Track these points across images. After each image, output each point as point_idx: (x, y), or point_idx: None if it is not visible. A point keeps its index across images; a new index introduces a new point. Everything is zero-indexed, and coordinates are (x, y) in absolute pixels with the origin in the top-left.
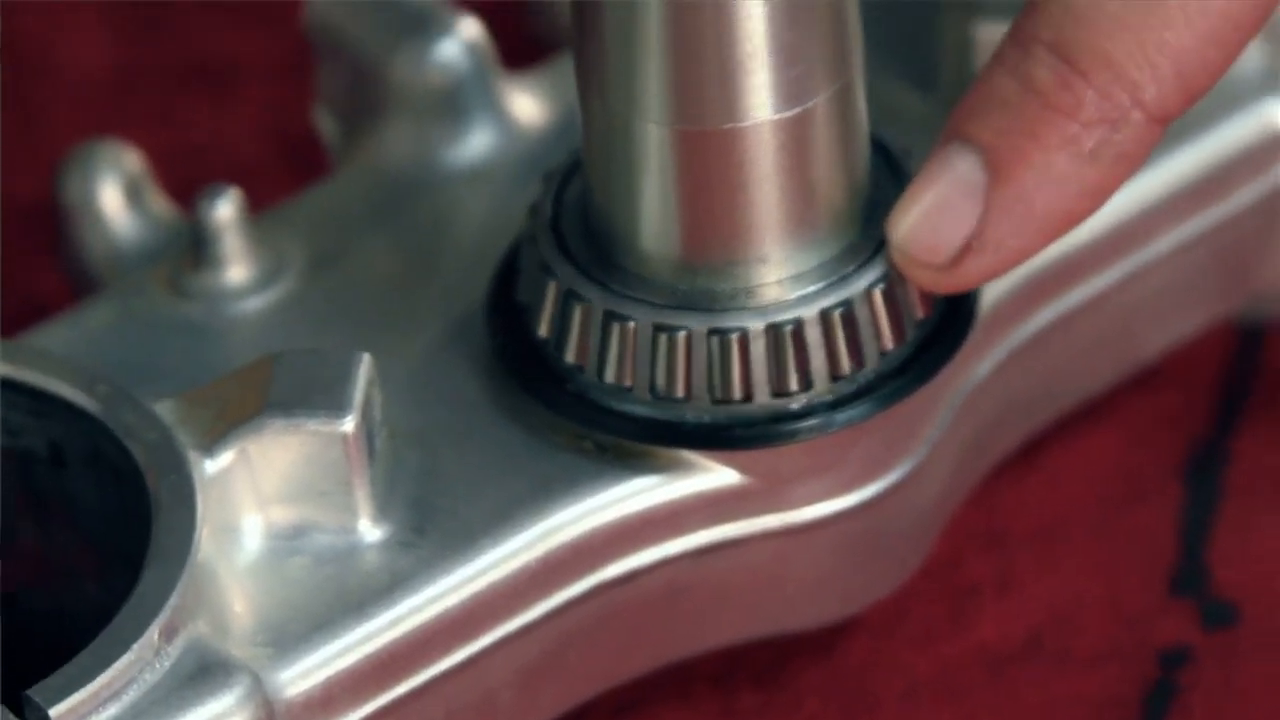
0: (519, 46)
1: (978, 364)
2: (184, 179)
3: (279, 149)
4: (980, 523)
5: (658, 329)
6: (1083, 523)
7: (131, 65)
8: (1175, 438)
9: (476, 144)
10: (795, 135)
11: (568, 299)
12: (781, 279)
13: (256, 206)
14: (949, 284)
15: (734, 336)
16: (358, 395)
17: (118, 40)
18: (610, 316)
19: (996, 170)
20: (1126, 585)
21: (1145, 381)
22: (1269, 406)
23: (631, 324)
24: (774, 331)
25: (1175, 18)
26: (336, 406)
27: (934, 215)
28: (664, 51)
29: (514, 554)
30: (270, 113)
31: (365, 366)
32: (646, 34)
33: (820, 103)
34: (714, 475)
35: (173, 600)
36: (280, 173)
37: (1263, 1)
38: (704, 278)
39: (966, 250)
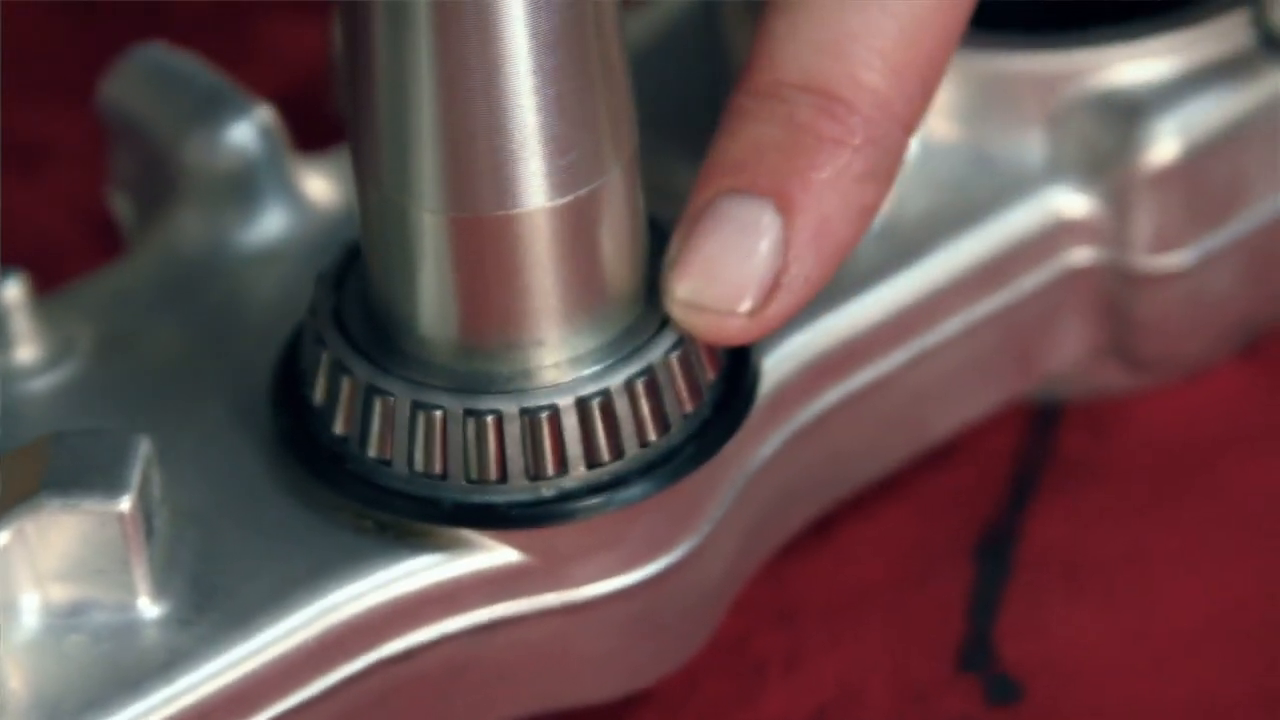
0: (323, 129)
1: (761, 444)
2: None
3: (86, 227)
4: (770, 598)
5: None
6: (873, 599)
7: None
8: (967, 515)
9: (269, 226)
10: (569, 222)
11: (342, 379)
12: (559, 361)
13: (61, 285)
14: (756, 329)
15: (494, 418)
16: (135, 475)
17: None
18: (372, 391)
19: (790, 207)
20: (914, 661)
21: (939, 459)
22: (1060, 486)
23: (394, 400)
24: (551, 413)
25: (915, 32)
26: (113, 487)
27: (732, 264)
28: (436, 141)
29: (292, 631)
30: (78, 190)
31: (143, 447)
32: (419, 124)
33: (593, 189)
34: (493, 554)
35: None
36: (88, 250)
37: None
38: (481, 360)
39: (775, 289)
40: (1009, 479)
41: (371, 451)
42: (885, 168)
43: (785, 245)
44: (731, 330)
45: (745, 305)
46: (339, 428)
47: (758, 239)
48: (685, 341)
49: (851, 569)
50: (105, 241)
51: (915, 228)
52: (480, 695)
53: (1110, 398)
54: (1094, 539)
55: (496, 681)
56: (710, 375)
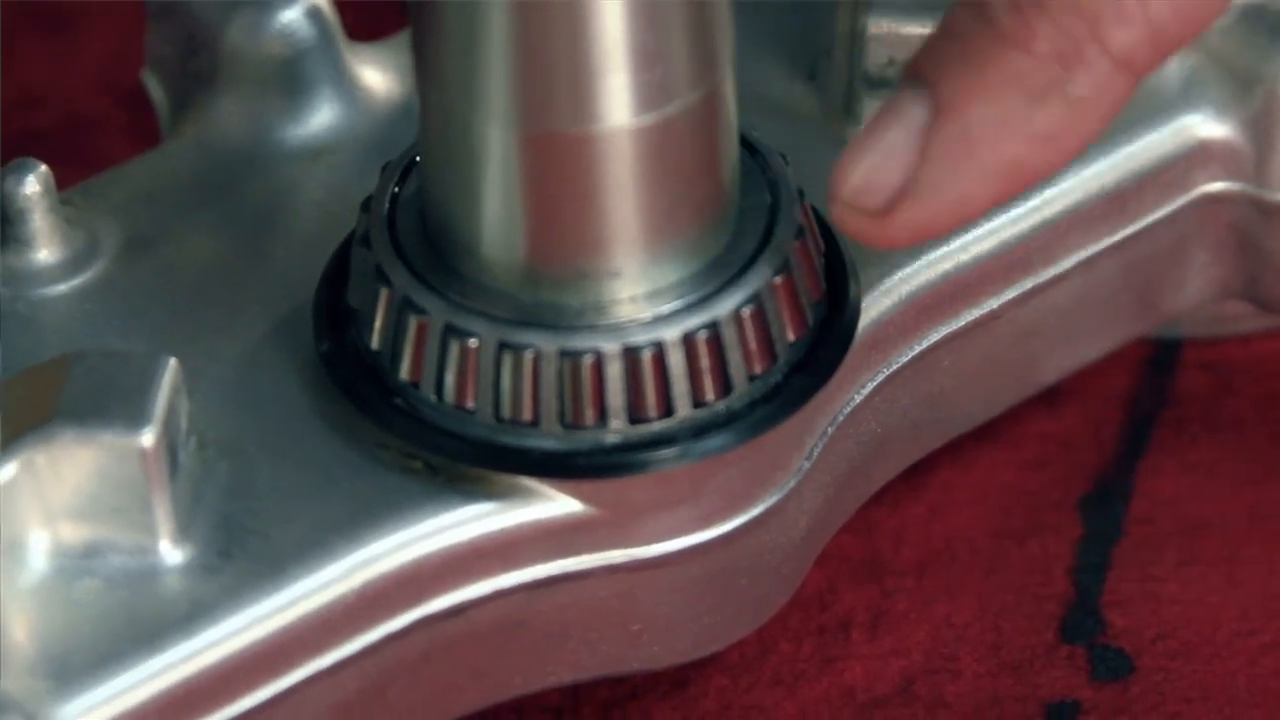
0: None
1: (855, 388)
2: (17, 132)
3: (120, 102)
4: (856, 550)
5: (503, 346)
6: (969, 555)
7: None
8: (1074, 465)
9: (319, 120)
10: (654, 142)
11: (402, 306)
12: (636, 295)
13: (94, 164)
14: (882, 235)
15: (586, 359)
16: (159, 405)
17: None
18: (450, 331)
19: (939, 107)
20: (1012, 628)
21: (1045, 402)
22: (1177, 435)
23: (473, 341)
24: (629, 354)
25: None
26: (134, 417)
27: (872, 156)
28: (508, 47)
29: (329, 583)
30: (113, 60)
31: (170, 372)
32: (490, 29)
33: (682, 107)
34: (555, 504)
35: None
36: (121, 129)
37: None
38: (549, 290)
39: (902, 194)
40: (1121, 426)
41: (404, 375)
42: (1074, 95)
43: (923, 147)
44: (856, 227)
45: (870, 203)
46: (375, 343)
47: (905, 135)
48: (766, 290)
49: (946, 521)
50: (140, 120)
51: None
52: (535, 658)
53: (1234, 337)
54: (1214, 495)
55: (553, 643)
56: (804, 319)
